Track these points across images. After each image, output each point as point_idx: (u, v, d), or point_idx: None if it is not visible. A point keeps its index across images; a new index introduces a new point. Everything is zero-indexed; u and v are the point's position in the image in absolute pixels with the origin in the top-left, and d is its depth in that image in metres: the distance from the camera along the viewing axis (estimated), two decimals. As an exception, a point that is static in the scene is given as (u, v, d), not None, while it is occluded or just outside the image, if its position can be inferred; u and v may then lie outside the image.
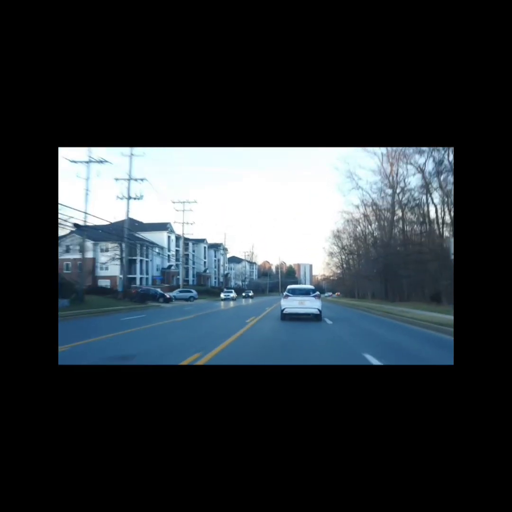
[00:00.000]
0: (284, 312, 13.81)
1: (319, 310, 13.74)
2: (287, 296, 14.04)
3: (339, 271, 69.76)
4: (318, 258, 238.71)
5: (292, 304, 13.72)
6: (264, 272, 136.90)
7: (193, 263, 74.82)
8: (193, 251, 76.78)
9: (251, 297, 56.89)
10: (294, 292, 14.17)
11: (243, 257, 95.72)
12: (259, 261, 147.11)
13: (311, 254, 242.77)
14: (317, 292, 14.54)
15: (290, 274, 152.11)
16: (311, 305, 13.63)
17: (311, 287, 15.59)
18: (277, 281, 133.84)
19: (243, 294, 58.56)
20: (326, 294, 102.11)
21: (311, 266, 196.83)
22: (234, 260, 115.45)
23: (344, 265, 65.33)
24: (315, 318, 13.78)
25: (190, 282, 73.32)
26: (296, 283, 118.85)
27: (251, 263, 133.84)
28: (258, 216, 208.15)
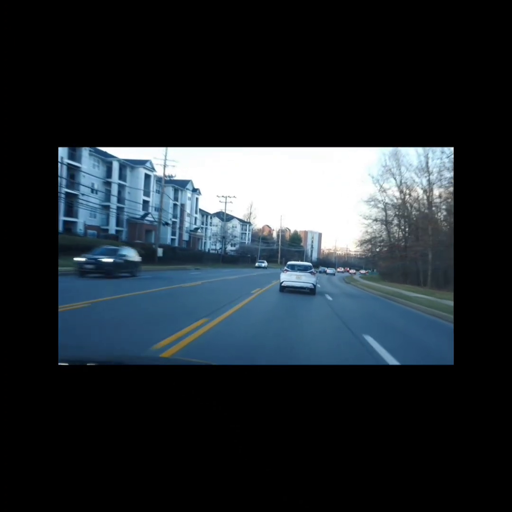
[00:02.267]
0: (282, 284, 15.50)
1: (313, 284, 15.57)
2: (286, 270, 15.75)
3: (380, 237, 39.64)
4: (330, 228, 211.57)
5: (290, 278, 15.38)
6: (263, 237, 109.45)
7: (118, 199, 43.30)
8: (120, 178, 44.50)
9: (103, 269, 17.19)
10: (293, 268, 15.80)
11: (226, 209, 65.49)
12: (259, 224, 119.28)
13: (323, 223, 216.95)
14: (313, 269, 16.22)
15: (294, 241, 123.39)
16: (306, 280, 15.41)
17: (309, 264, 17.56)
18: (276, 248, 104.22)
19: (78, 259, 17.43)
20: (361, 273, 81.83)
21: (320, 235, 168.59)
22: (222, 216, 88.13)
23: (405, 229, 34.44)
24: (310, 292, 15.51)
25: (111, 231, 41.95)
26: (301, 253, 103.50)
27: (245, 223, 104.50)
28: (264, 181, 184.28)
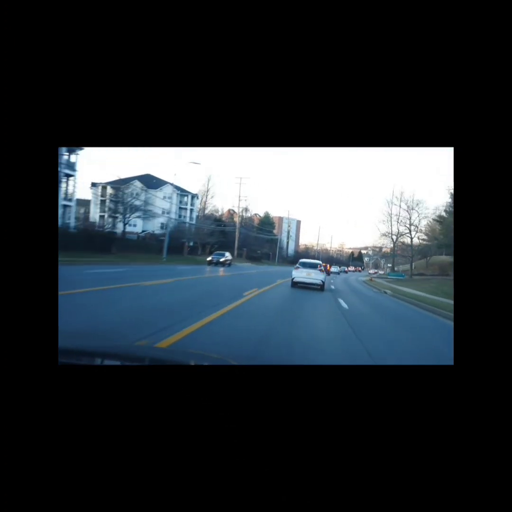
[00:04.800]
0: (294, 280, 17.68)
1: (322, 281, 17.34)
2: (297, 267, 17.78)
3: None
4: (310, 218, 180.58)
5: (301, 274, 17.56)
6: (217, 219, 75.36)
7: None
8: None
9: None
10: (304, 265, 18.05)
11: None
12: (217, 204, 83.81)
13: (302, 211, 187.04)
14: (322, 267, 18.15)
15: (265, 225, 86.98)
16: (316, 276, 17.38)
17: (319, 262, 19.53)
18: (233, 232, 66.86)
19: None
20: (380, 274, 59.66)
21: (299, 222, 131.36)
22: (149, 182, 64.62)
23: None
24: (320, 288, 17.38)
25: None
26: (274, 242, 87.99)
27: (184, 193, 66.38)
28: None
